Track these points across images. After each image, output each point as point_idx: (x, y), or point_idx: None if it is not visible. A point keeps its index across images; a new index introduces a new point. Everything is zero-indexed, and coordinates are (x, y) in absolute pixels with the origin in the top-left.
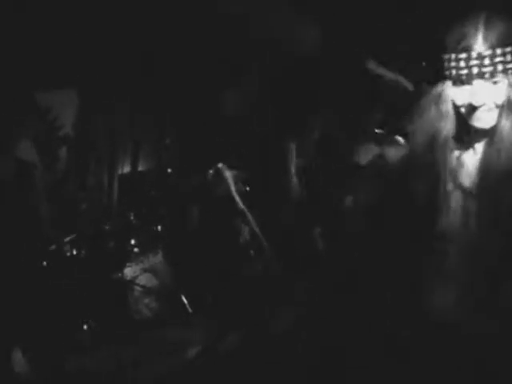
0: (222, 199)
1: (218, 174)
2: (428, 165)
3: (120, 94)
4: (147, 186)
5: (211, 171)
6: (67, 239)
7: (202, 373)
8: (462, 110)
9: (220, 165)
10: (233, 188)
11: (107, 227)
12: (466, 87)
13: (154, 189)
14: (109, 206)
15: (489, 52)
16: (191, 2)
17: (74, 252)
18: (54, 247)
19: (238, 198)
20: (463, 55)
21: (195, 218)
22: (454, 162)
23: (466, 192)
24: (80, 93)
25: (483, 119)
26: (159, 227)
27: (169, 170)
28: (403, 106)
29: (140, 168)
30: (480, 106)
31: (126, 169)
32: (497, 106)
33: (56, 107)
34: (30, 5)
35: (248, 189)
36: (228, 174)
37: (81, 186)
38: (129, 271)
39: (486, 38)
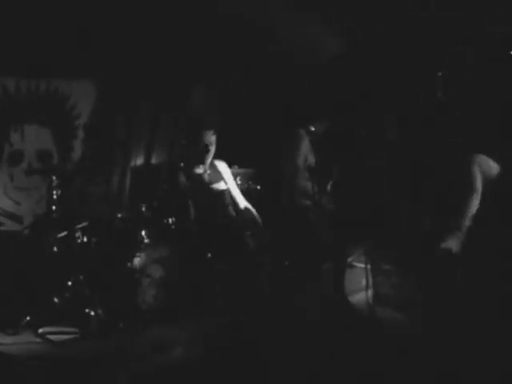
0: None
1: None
2: None
3: (138, 88)
4: (159, 179)
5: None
6: (79, 226)
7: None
8: None
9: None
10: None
11: (119, 217)
12: None
13: (166, 182)
14: (121, 196)
15: None
16: None
17: (85, 239)
18: (64, 234)
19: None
20: None
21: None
22: None
23: None
24: (98, 84)
25: None
26: (170, 220)
27: (181, 165)
28: None
29: (153, 161)
30: None
31: (140, 161)
32: None
33: (74, 96)
34: None
35: (259, 187)
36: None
37: (94, 176)
38: (138, 261)
39: None
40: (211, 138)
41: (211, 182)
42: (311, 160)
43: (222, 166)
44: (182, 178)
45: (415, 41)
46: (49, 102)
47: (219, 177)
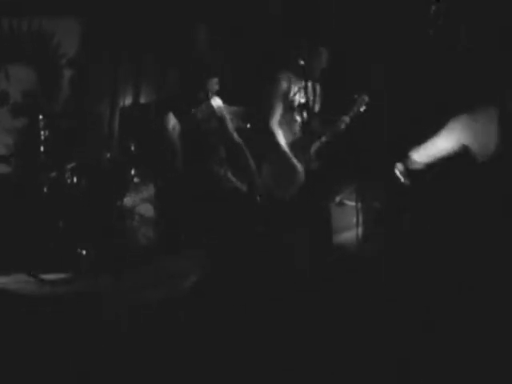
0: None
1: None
2: None
3: (124, 26)
4: (148, 118)
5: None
6: (68, 167)
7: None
8: None
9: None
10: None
11: (108, 157)
12: None
13: (155, 121)
14: (110, 136)
15: None
16: None
17: (75, 180)
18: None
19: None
20: None
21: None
22: None
23: None
24: (83, 21)
25: None
26: (159, 158)
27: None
28: None
29: (142, 101)
30: None
31: (128, 100)
32: None
33: (58, 35)
34: None
35: (248, 125)
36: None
37: (82, 115)
38: (128, 201)
39: None
40: (214, 87)
41: (202, 121)
42: (299, 99)
43: (216, 103)
44: (172, 119)
45: None
46: (33, 41)
47: (212, 115)
